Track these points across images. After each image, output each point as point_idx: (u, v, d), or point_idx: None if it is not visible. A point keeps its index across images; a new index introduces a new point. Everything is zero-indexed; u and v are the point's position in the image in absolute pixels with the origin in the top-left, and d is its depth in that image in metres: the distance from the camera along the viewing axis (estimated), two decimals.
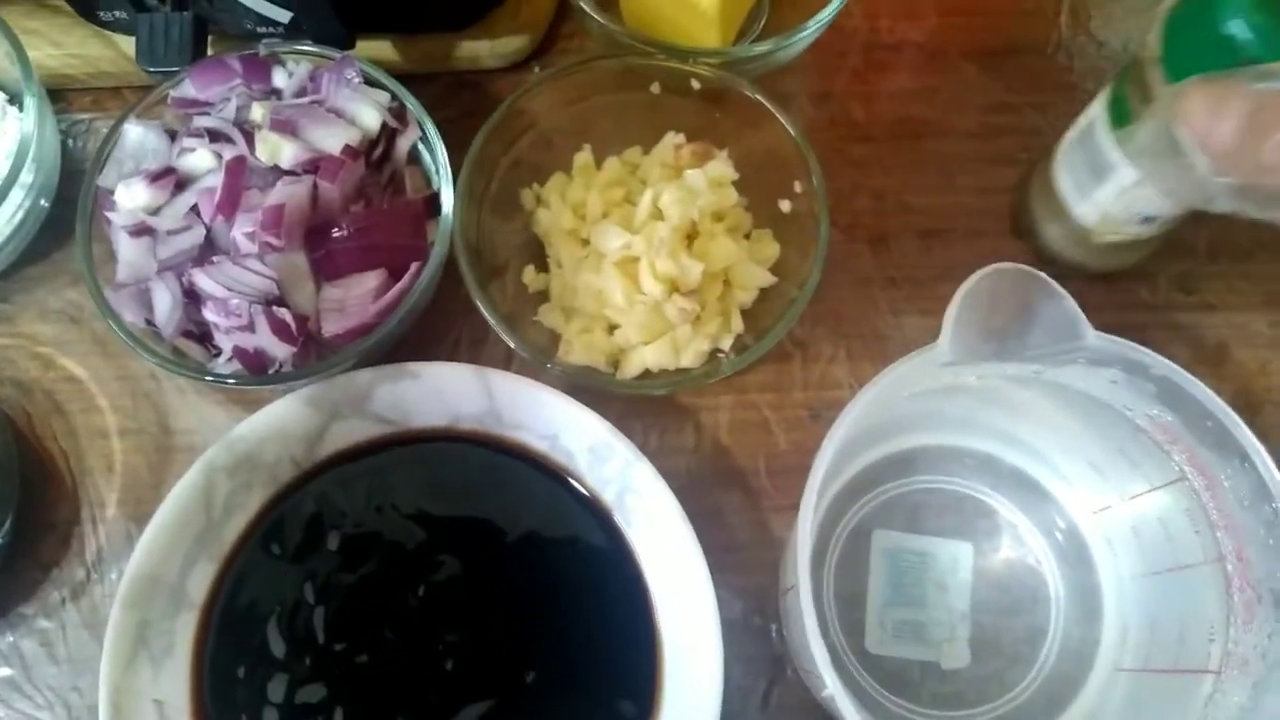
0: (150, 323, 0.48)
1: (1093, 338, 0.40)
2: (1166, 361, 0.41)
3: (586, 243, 0.53)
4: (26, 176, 0.51)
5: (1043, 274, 0.41)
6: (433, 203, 0.50)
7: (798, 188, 0.52)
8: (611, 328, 0.52)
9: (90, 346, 0.55)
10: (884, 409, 0.42)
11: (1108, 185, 0.47)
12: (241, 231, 0.45)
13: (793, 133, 0.51)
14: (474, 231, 0.50)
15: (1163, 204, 0.47)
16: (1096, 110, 0.48)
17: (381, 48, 0.57)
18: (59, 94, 0.59)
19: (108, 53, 0.58)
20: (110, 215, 0.47)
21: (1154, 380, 0.41)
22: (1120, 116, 0.45)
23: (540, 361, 0.48)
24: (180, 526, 0.47)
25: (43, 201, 0.54)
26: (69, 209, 0.56)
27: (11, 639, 0.51)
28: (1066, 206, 0.51)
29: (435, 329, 0.55)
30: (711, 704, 0.44)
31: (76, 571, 0.52)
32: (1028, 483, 0.51)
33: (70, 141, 0.59)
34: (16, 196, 0.51)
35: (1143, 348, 0.41)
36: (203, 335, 0.49)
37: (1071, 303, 0.41)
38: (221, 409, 0.54)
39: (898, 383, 0.39)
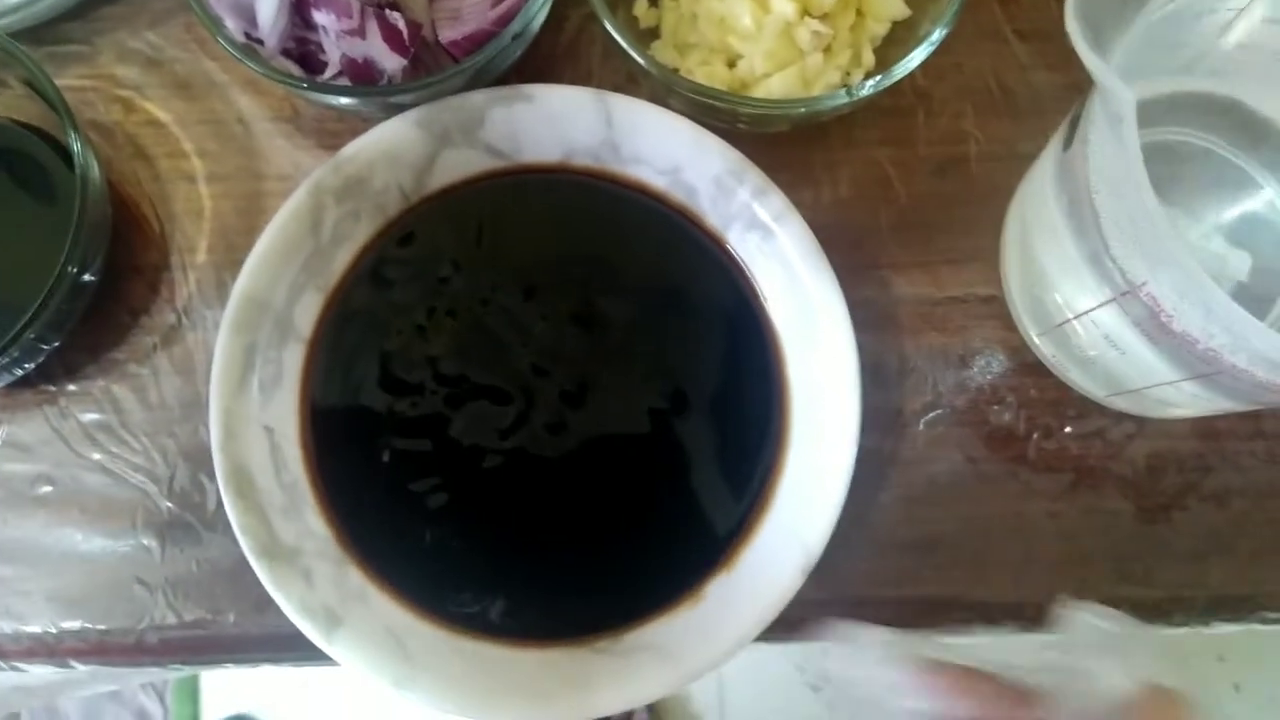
0: (250, 36, 0.44)
1: None
2: None
3: None
4: None
5: None
6: None
7: None
8: (733, 60, 0.48)
9: (173, 90, 0.51)
10: None
11: None
12: None
13: None
14: None
15: None
16: None
17: None
18: None
19: None
20: None
21: None
22: None
23: (668, 83, 0.45)
24: (288, 248, 0.44)
25: None
26: None
27: (103, 383, 0.49)
28: None
29: (539, 69, 0.51)
30: (845, 453, 0.43)
31: (167, 317, 0.49)
32: None
33: None
34: None
35: None
36: (302, 56, 0.45)
37: None
38: (315, 154, 0.51)
39: None
